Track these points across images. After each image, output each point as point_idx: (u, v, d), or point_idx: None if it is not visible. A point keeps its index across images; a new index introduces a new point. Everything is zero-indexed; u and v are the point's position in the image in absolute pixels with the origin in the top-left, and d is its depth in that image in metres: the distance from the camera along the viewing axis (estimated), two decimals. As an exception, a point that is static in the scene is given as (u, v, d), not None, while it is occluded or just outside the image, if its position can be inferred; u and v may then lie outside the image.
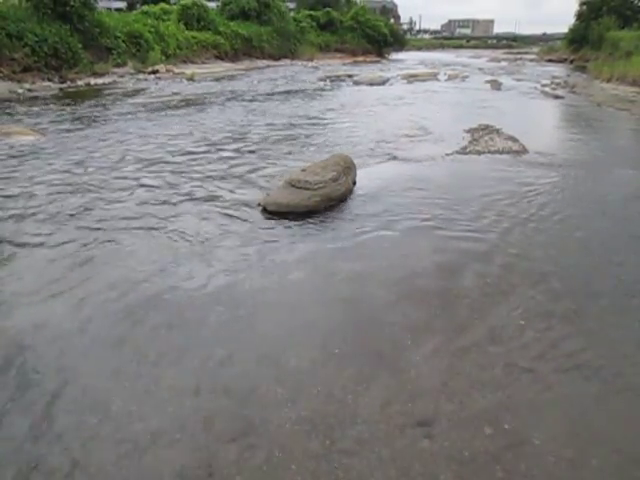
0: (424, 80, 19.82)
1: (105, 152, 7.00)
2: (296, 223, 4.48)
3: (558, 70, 27.24)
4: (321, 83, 18.14)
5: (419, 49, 64.54)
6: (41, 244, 3.97)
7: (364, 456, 2.03)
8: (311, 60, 30.95)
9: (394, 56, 43.03)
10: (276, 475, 1.94)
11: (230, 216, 4.66)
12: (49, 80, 15.00)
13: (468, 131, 8.85)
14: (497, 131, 8.85)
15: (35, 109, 10.62)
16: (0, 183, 5.50)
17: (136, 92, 14.20)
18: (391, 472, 1.96)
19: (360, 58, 36.81)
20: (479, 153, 7.34)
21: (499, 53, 53.59)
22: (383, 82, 18.69)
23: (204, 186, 5.53)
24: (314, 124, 9.61)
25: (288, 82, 18.23)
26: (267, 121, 9.80)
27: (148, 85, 15.95)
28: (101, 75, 16.73)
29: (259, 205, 4.83)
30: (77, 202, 4.95)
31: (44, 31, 15.49)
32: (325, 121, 10.02)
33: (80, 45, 16.53)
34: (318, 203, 4.71)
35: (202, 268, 3.61)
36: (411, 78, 20.19)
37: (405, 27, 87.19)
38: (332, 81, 18.94)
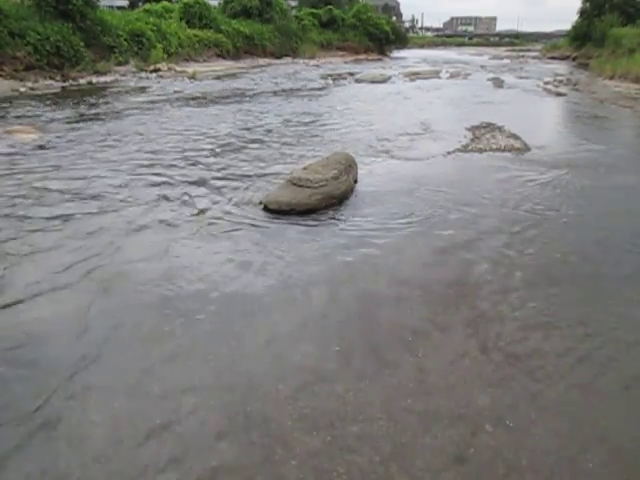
0: (426, 78, 19.78)
1: (107, 150, 7.01)
2: (297, 221, 4.48)
3: (561, 67, 27.18)
4: (323, 81, 18.11)
5: (421, 47, 64.36)
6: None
7: (365, 453, 2.04)
8: (313, 58, 30.85)
9: (396, 54, 42.91)
10: (278, 471, 1.96)
11: (231, 214, 4.66)
12: (51, 78, 14.99)
13: (470, 129, 8.84)
14: (499, 129, 8.84)
15: (37, 107, 10.63)
16: (2, 181, 5.52)
17: (138, 90, 14.20)
18: (392, 469, 1.97)
19: (362, 56, 36.72)
20: (481, 151, 7.34)
21: (501, 51, 53.47)
22: (385, 80, 18.64)
23: (205, 184, 5.54)
24: (315, 122, 9.60)
25: (290, 80, 18.21)
26: (268, 119, 9.80)
27: (150, 84, 15.95)
28: (103, 73, 16.70)
29: (260, 203, 4.83)
30: (77, 200, 4.96)
31: (46, 29, 15.47)
32: (326, 119, 10.01)
33: (82, 43, 16.50)
34: (319, 201, 4.72)
35: (203, 266, 3.63)
36: (413, 76, 20.14)
37: (407, 25, 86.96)
38: (334, 79, 18.91)
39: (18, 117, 9.44)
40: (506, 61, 33.54)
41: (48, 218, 4.47)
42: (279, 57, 29.23)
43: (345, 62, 31.04)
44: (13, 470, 1.94)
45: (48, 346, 2.67)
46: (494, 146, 7.58)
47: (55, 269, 3.51)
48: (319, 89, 15.68)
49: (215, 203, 4.95)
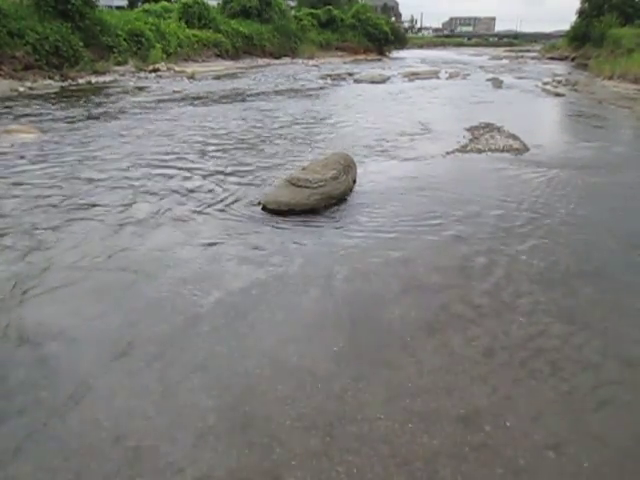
0: (425, 78, 19.79)
1: (106, 150, 7.01)
2: (296, 222, 4.48)
3: (560, 68, 27.21)
4: (322, 81, 18.11)
5: (420, 47, 64.42)
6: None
7: (364, 453, 2.04)
8: (312, 58, 30.87)
9: (395, 54, 42.94)
10: (277, 471, 1.96)
11: (230, 215, 4.66)
12: (50, 78, 14.97)
13: (469, 129, 8.85)
14: (498, 129, 8.86)
15: (36, 107, 10.62)
16: (2, 180, 5.51)
17: (137, 90, 14.20)
18: (391, 469, 1.97)
19: (361, 56, 36.76)
20: (480, 151, 7.34)
21: (500, 51, 53.53)
22: (384, 80, 18.65)
23: (204, 185, 5.54)
24: (314, 123, 9.61)
25: (289, 80, 18.21)
26: (267, 120, 9.80)
27: (149, 83, 15.94)
28: (102, 73, 16.69)
29: (259, 204, 4.83)
30: (76, 199, 4.96)
31: (45, 29, 15.46)
32: (325, 119, 10.02)
33: (81, 43, 16.48)
34: (318, 202, 4.72)
35: (200, 265, 3.63)
36: (412, 76, 20.16)
37: (406, 25, 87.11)
38: (333, 79, 18.91)
39: (17, 117, 9.44)
40: (505, 61, 33.57)
41: (47, 218, 4.47)
42: (278, 57, 29.23)
43: (344, 62, 31.05)
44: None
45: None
46: (493, 146, 7.58)
47: (55, 267, 3.52)
48: (318, 89, 15.68)
49: (213, 203, 4.94)
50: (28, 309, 3.02)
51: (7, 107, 10.52)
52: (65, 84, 14.84)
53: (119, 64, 18.01)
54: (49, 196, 5.05)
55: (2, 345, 2.67)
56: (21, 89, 13.24)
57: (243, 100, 12.75)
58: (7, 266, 3.54)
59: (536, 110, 12.31)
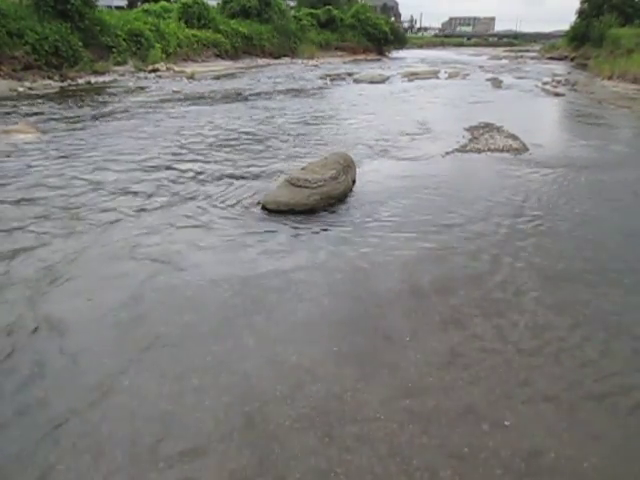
0: (425, 78, 19.79)
1: (105, 150, 7.00)
2: (296, 222, 4.48)
3: (559, 68, 27.21)
4: (321, 81, 18.11)
5: (420, 47, 64.40)
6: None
7: (363, 453, 2.04)
8: (311, 58, 30.84)
9: (395, 54, 42.95)
10: (276, 471, 1.96)
11: (229, 215, 4.66)
12: (49, 78, 14.95)
13: (468, 129, 8.85)
14: (497, 129, 8.86)
15: (36, 107, 10.61)
16: (2, 181, 5.51)
17: (136, 90, 14.19)
18: (391, 469, 1.97)
19: (361, 56, 36.76)
20: (479, 151, 7.35)
21: (500, 51, 53.52)
22: (383, 80, 18.65)
23: (203, 185, 5.54)
24: (314, 123, 9.60)
25: (288, 80, 18.21)
26: (266, 119, 9.80)
27: (148, 83, 15.93)
28: (101, 73, 16.67)
29: (259, 204, 4.83)
30: (78, 200, 4.95)
31: (45, 29, 15.44)
32: (325, 119, 10.01)
33: (81, 43, 16.46)
34: (318, 202, 4.72)
35: (200, 265, 3.63)
36: (412, 76, 20.15)
37: (406, 25, 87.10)
38: (332, 79, 18.91)
39: (16, 117, 9.43)
40: (504, 61, 33.58)
41: (49, 219, 4.47)
42: (278, 57, 29.20)
43: (344, 62, 31.04)
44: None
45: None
46: (492, 146, 7.59)
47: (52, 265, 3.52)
48: (318, 89, 15.68)
49: (213, 203, 4.94)
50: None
51: (6, 107, 10.51)
52: (64, 84, 14.82)
53: (118, 64, 17.99)
54: (50, 197, 5.05)
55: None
56: (20, 89, 13.22)
57: (243, 100, 12.75)
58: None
59: (535, 110, 12.32)
